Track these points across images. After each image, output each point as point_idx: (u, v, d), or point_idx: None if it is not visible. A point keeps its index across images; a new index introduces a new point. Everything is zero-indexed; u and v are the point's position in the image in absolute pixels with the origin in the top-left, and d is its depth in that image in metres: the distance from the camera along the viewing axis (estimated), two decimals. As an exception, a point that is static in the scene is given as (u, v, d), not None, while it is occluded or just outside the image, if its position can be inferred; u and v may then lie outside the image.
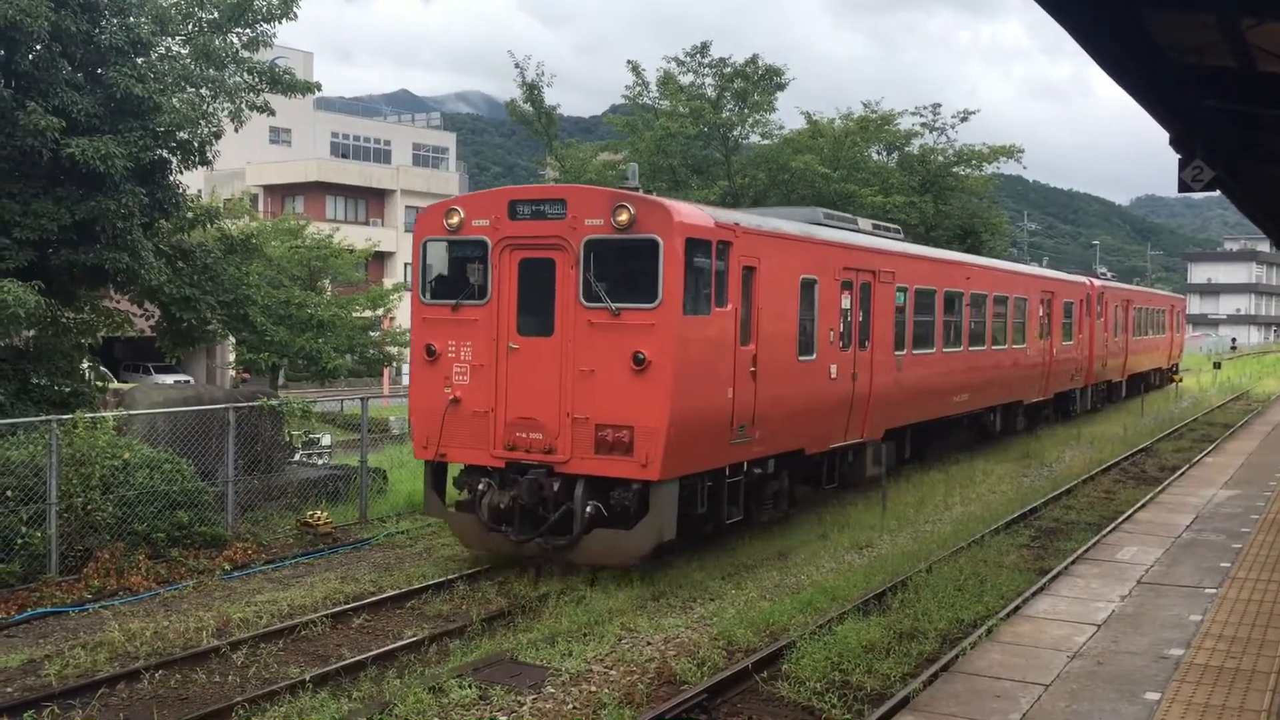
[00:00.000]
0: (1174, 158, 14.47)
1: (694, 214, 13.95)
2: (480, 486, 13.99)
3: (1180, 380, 44.90)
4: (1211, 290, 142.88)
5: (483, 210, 14.30)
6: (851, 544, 16.30)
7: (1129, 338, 40.02)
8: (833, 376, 17.19)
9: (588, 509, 13.32)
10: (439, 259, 14.88)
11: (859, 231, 19.72)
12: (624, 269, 13.45)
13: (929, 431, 22.74)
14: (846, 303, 17.73)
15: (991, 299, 25.02)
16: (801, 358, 16.18)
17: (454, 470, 14.86)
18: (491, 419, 13.94)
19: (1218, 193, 18.52)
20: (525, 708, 9.68)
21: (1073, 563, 14.45)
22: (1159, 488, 20.95)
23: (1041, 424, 30.85)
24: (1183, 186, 14.37)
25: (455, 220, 14.36)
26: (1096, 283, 36.27)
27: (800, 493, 17.94)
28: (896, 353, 19.65)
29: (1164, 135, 14.41)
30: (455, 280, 14.54)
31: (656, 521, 13.25)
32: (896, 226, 22.79)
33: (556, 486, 13.45)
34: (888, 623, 11.91)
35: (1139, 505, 18.84)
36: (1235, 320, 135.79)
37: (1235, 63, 11.11)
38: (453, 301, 14.32)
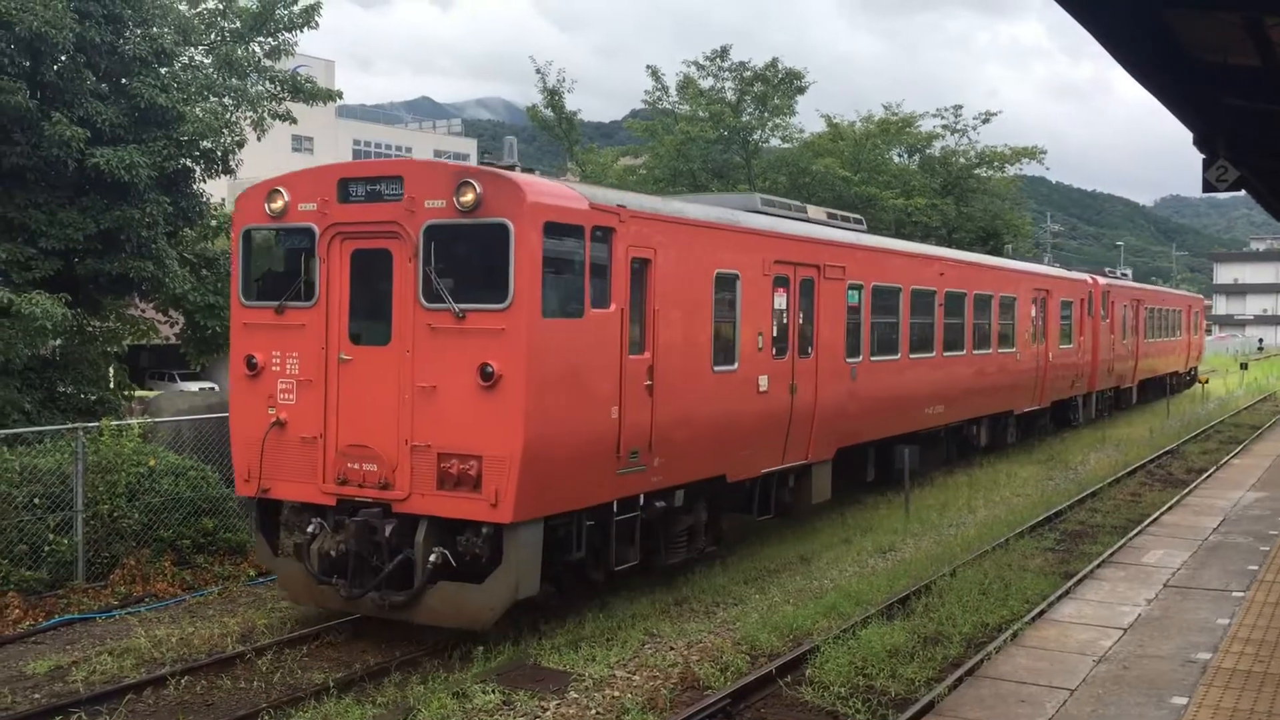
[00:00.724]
0: (1198, 157, 14.39)
1: (557, 192, 11.50)
2: (310, 529, 11.62)
3: (1206, 381, 44.24)
4: (1238, 290, 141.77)
5: (309, 191, 11.79)
6: (874, 547, 16.24)
7: (1140, 340, 37.57)
8: (762, 389, 14.65)
9: (431, 557, 10.95)
10: (261, 251, 12.54)
11: (805, 220, 17.10)
12: (470, 261, 11.24)
13: (893, 451, 19.62)
14: (782, 302, 15.24)
15: (972, 298, 22.41)
16: (718, 368, 13.71)
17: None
18: (320, 446, 11.51)
19: (1243, 192, 18.40)
20: (548, 713, 9.68)
21: (1098, 566, 14.36)
22: (1186, 490, 20.80)
23: (1037, 435, 28.53)
24: (1207, 186, 14.29)
25: (279, 204, 11.93)
26: (1101, 281, 33.50)
27: (733, 525, 15.66)
28: (850, 360, 17.13)
29: (1188, 135, 14.33)
30: (280, 277, 12.26)
31: (510, 574, 10.82)
32: (858, 217, 19.92)
33: (390, 530, 11.08)
34: (911, 627, 11.86)
35: (1165, 508, 18.71)
36: (1262, 321, 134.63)
37: (1259, 61, 11.03)
38: (276, 303, 11.91)
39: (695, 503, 13.84)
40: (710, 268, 13.65)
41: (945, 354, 20.99)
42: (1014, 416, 25.89)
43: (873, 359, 17.89)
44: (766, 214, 15.97)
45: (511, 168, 11.71)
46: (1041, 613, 12.19)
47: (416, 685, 10.27)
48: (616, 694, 10.11)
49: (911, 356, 19.50)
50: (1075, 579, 13.71)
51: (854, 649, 10.96)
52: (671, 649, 11.49)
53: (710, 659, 11.04)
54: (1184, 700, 9.24)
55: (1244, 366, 57.13)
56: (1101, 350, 32.40)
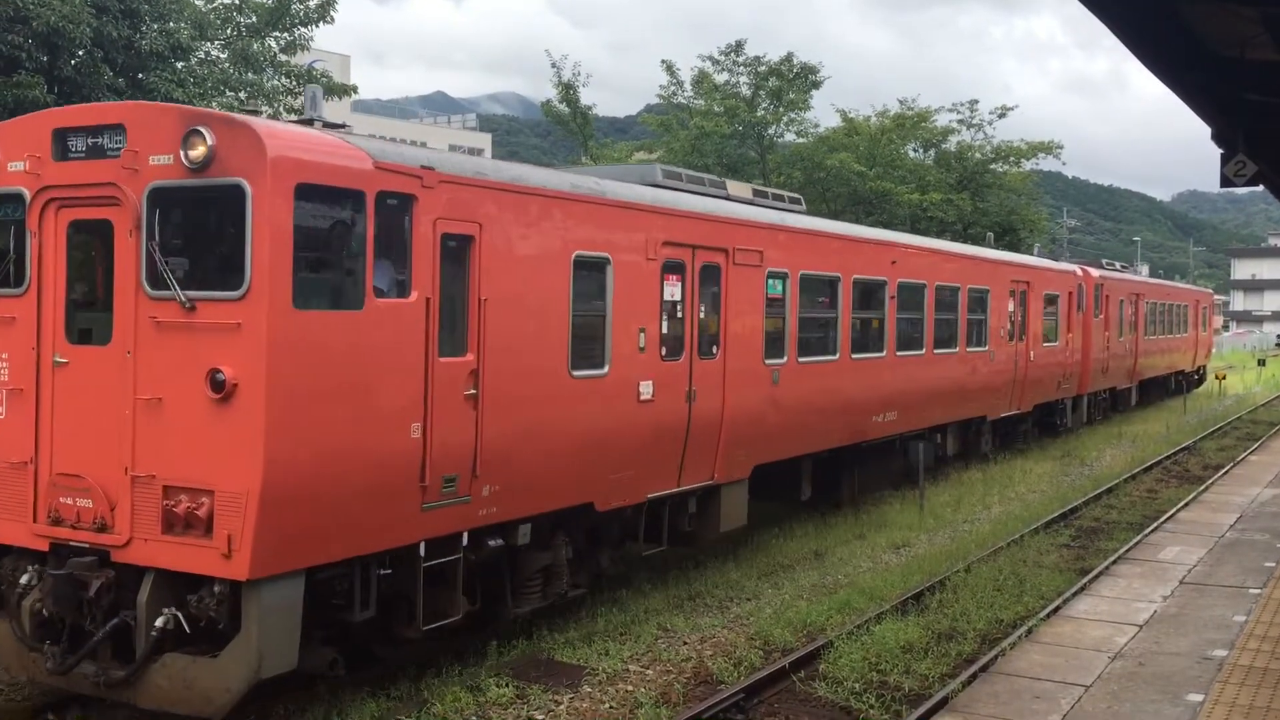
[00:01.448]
0: (1216, 152, 14.34)
1: (319, 145, 8.85)
2: (24, 579, 9.02)
3: (1224, 377, 43.79)
4: (1256, 286, 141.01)
5: (18, 146, 9.17)
6: (888, 544, 16.22)
7: (1139, 337, 34.83)
8: (645, 397, 11.97)
9: (158, 621, 8.39)
10: None
11: (720, 197, 14.42)
12: (202, 235, 8.95)
13: (842, 463, 17.53)
14: (675, 292, 12.64)
15: (932, 290, 19.43)
16: (579, 372, 11.04)
17: None
18: (31, 474, 9.01)
19: (1261, 187, 18.31)
20: (562, 706, 9.71)
21: (1114, 562, 14.31)
22: (1202, 486, 20.71)
23: (1018, 442, 25.95)
24: (1225, 181, 14.24)
25: None
26: (1094, 273, 30.68)
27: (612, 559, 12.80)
28: (771, 362, 14.38)
29: (1206, 130, 14.28)
30: None
31: (250, 645, 8.22)
32: (796, 196, 16.95)
33: (100, 586, 8.53)
34: (926, 623, 11.85)
35: (1181, 504, 18.64)
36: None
37: (1278, 56, 10.97)
38: None
39: (553, 538, 11.27)
40: (567, 248, 10.92)
41: (899, 354, 18.10)
42: (988, 423, 23.19)
43: (802, 360, 15.10)
44: (666, 187, 13.27)
45: (276, 117, 9.83)
46: (1056, 609, 12.16)
47: (430, 678, 10.30)
48: (630, 688, 10.13)
49: (854, 357, 16.62)
50: (1091, 575, 13.67)
51: (868, 644, 10.95)
52: (685, 643, 11.51)
53: (724, 653, 11.05)
54: (1200, 697, 9.21)
55: (1261, 363, 56.77)
56: (1094, 349, 29.64)
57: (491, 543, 10.37)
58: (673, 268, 12.59)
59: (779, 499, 16.44)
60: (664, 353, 12.40)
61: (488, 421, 9.86)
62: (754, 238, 14.13)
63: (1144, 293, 35.96)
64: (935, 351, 19.57)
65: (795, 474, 16.02)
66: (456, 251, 9.66)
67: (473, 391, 9.73)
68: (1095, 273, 30.73)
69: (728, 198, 14.54)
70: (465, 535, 9.91)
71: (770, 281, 14.52)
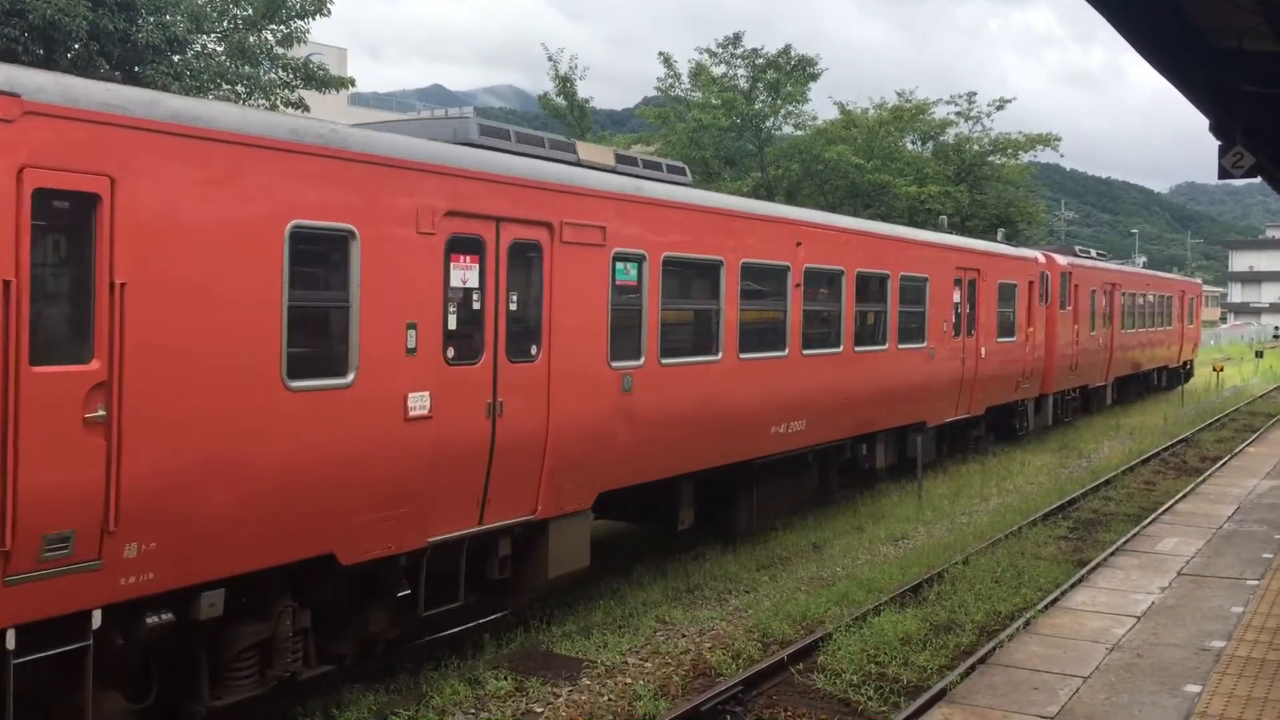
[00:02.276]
0: (1214, 144, 14.34)
1: None
2: None
3: (1221, 369, 43.75)
4: (1253, 278, 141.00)
5: None
6: (887, 536, 16.24)
7: (1115, 331, 32.25)
8: (417, 413, 9.30)
9: None
10: None
11: (565, 162, 11.71)
12: None
13: (734, 484, 14.77)
14: (470, 277, 9.92)
15: (852, 278, 16.55)
16: (301, 382, 8.36)
17: None
18: None
19: (1259, 179, 18.30)
20: (561, 699, 9.72)
21: (1112, 554, 14.32)
22: (1200, 478, 20.73)
23: (969, 449, 23.28)
24: (1223, 173, 14.23)
25: None
26: (1060, 260, 27.88)
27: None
28: (619, 365, 11.64)
29: (1204, 121, 14.27)
30: None
31: None
32: (679, 165, 14.22)
33: None
34: (924, 615, 11.86)
35: (1179, 496, 18.65)
36: (1278, 308, 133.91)
37: (1276, 47, 10.96)
38: None
39: (270, 604, 8.61)
40: (279, 216, 8.23)
41: (807, 353, 15.35)
42: (930, 430, 20.14)
43: (667, 362, 12.42)
44: (486, 148, 10.61)
45: None
46: (1055, 600, 12.17)
47: (429, 671, 10.31)
48: (629, 681, 10.14)
49: (745, 358, 13.90)
50: (1089, 567, 13.68)
51: (866, 636, 10.96)
52: (683, 636, 11.52)
53: (722, 646, 11.06)
54: (1198, 688, 9.22)
55: (1259, 354, 56.83)
56: (1060, 343, 26.92)
57: (153, 619, 7.63)
58: (464, 245, 9.76)
59: (653, 524, 14.31)
60: (450, 355, 9.63)
61: (133, 455, 7.23)
62: (594, 209, 11.29)
63: (1120, 282, 33.27)
64: (857, 349, 16.72)
65: (673, 496, 13.44)
66: (70, 216, 7.03)
67: (101, 413, 7.06)
68: (1062, 260, 28.04)
69: (576, 163, 11.81)
70: (98, 613, 7.19)
71: (619, 265, 11.73)
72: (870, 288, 17.44)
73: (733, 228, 13.83)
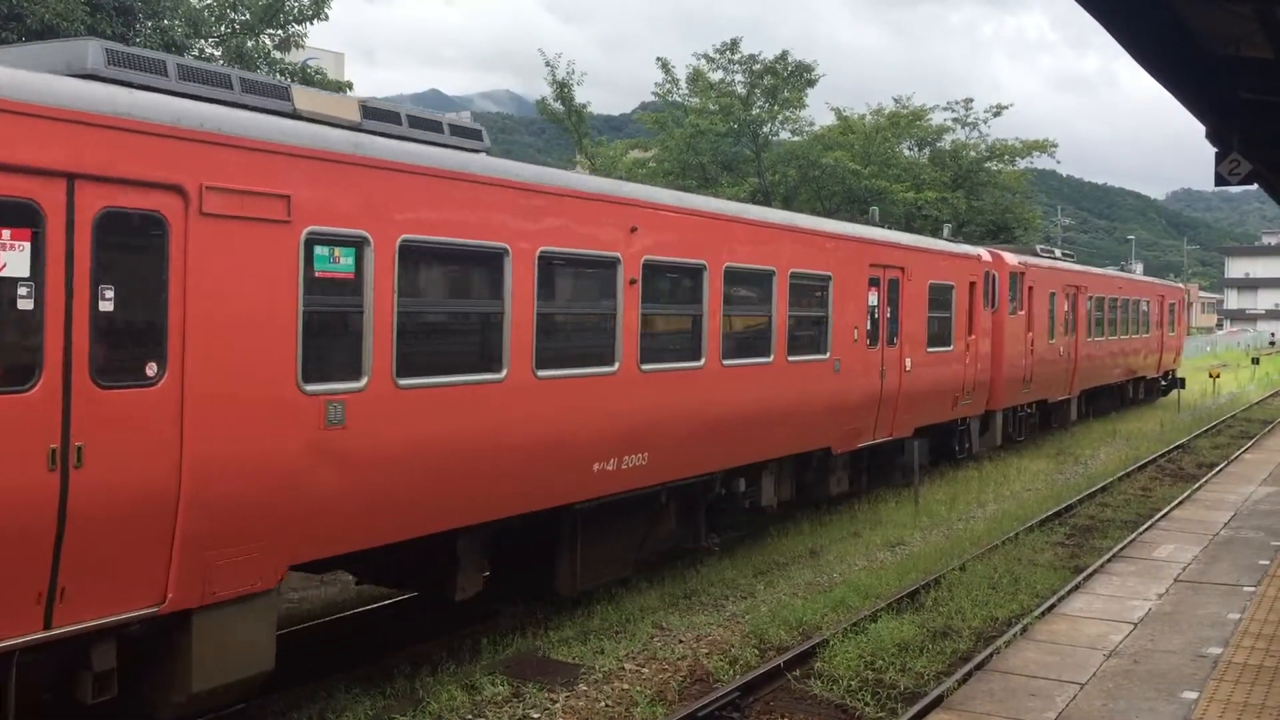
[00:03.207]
0: (1210, 151, 14.37)
1: None
2: None
3: (1218, 376, 43.72)
4: (1250, 285, 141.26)
5: None
6: (883, 542, 16.23)
7: (1079, 339, 29.20)
8: None
9: None
10: None
11: (272, 112, 8.67)
12: None
13: (549, 536, 11.70)
14: (17, 264, 6.84)
15: (718, 275, 13.30)
16: None
17: None
18: None
19: (1255, 186, 18.34)
20: (558, 705, 9.70)
21: (1109, 560, 14.32)
22: (1196, 485, 20.73)
23: (895, 478, 19.71)
24: (1219, 180, 14.27)
25: None
26: (1011, 259, 24.60)
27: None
28: (319, 388, 8.54)
29: (1200, 128, 14.30)
30: None
31: None
32: (475, 128, 10.95)
33: None
34: (921, 621, 11.85)
35: (1176, 502, 18.66)
36: (1274, 315, 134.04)
37: (1272, 53, 10.98)
38: None
39: None
40: None
41: (647, 368, 12.11)
42: (839, 457, 16.97)
43: (408, 383, 9.23)
44: (116, 81, 7.66)
45: None
46: (1051, 607, 12.17)
47: (425, 676, 10.29)
48: (625, 686, 10.13)
49: (546, 375, 10.66)
50: (1085, 573, 13.68)
51: (863, 643, 10.95)
52: (680, 642, 11.50)
53: (719, 652, 11.05)
54: (1195, 695, 9.22)
55: (1255, 361, 56.89)
56: (1009, 353, 23.84)
57: None
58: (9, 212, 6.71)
59: (426, 592, 11.51)
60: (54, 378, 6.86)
61: None
62: (267, 171, 8.20)
63: (1086, 285, 30.13)
64: (727, 363, 13.50)
65: (436, 565, 10.49)
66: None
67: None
68: (1012, 259, 24.84)
69: (292, 114, 8.87)
70: None
71: (319, 251, 8.61)
72: (747, 287, 14.29)
73: (527, 206, 10.53)
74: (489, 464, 10.11)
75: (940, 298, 20.11)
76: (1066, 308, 28.20)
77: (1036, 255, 27.65)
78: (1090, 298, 30.22)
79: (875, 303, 17.49)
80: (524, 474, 10.57)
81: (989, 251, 23.55)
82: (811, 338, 15.70)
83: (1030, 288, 25.30)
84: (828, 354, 15.99)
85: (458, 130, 10.61)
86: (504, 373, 10.26)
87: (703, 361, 13.14)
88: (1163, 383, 40.70)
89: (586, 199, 11.54)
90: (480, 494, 10.11)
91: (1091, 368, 30.69)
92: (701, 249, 13.16)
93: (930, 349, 19.50)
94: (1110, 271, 37.47)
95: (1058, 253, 30.92)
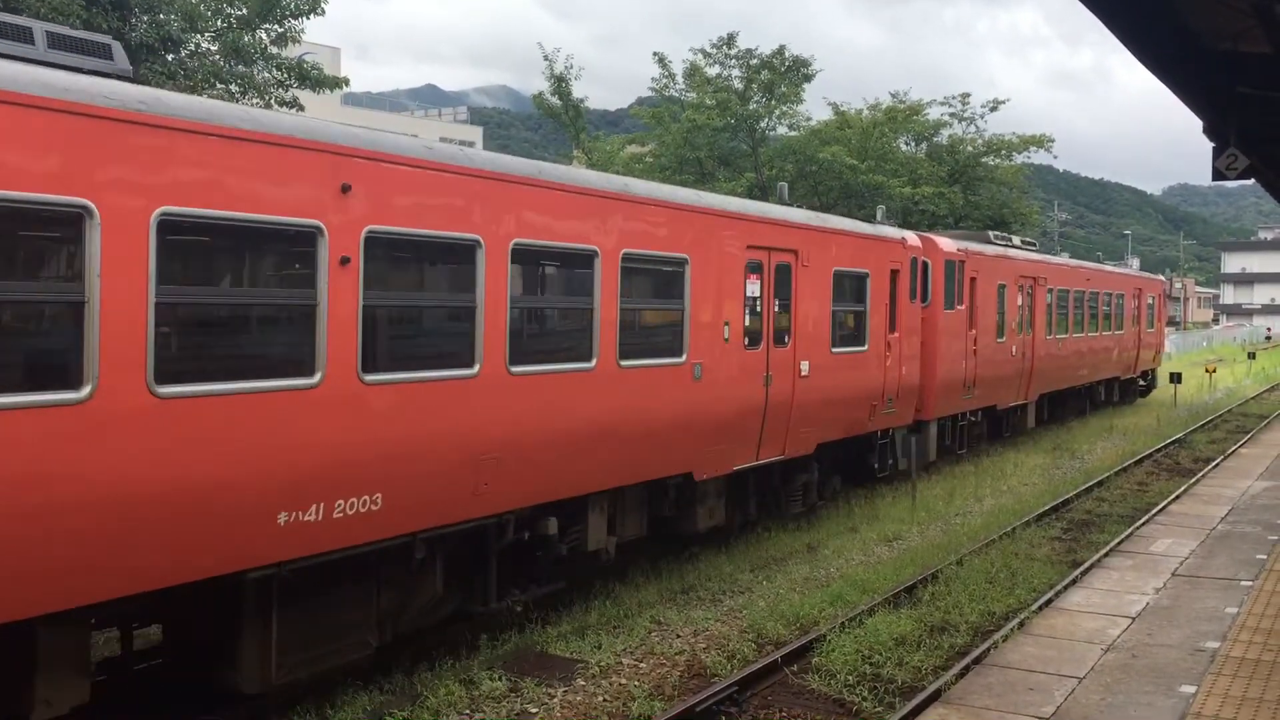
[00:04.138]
0: (1208, 146, 14.36)
1: None
2: None
3: (1214, 370, 43.65)
4: (1246, 280, 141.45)
5: None
6: (880, 537, 16.24)
7: (1036, 338, 26.08)
8: None
9: None
10: None
11: None
12: None
13: (223, 613, 8.62)
14: None
15: (501, 256, 10.15)
16: None
17: None
18: None
19: (1252, 181, 18.35)
20: (556, 700, 9.70)
21: (1106, 555, 14.34)
22: (1193, 479, 20.76)
23: (794, 505, 16.39)
24: (1216, 175, 14.26)
25: None
26: (946, 245, 21.48)
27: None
28: None
29: (1197, 123, 14.30)
30: None
31: None
32: (104, 41, 8.26)
33: None
34: (918, 615, 11.86)
35: (1173, 497, 18.68)
36: (1270, 310, 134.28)
37: (1270, 49, 10.98)
38: None
39: None
40: None
41: (373, 378, 8.95)
42: (702, 485, 13.60)
43: None
44: None
45: None
46: (1049, 601, 12.18)
47: (424, 672, 10.29)
48: (624, 681, 10.13)
49: (179, 392, 7.59)
50: (1083, 568, 13.70)
51: (860, 637, 10.95)
52: (678, 637, 11.51)
53: (717, 647, 11.05)
54: (1193, 689, 9.23)
55: (1252, 356, 56.97)
56: (946, 354, 21.02)
57: None
58: None
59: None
60: None
61: None
62: None
63: (1045, 277, 26.82)
64: (515, 370, 10.25)
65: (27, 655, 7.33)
66: None
67: None
68: (948, 245, 21.76)
69: None
70: None
71: None
72: (553, 272, 11.39)
73: (125, 149, 7.28)
74: (80, 521, 6.99)
75: (851, 288, 16.87)
76: (1021, 302, 25.21)
77: (989, 242, 24.80)
78: (1050, 290, 27.33)
79: (757, 293, 14.30)
80: (149, 532, 7.41)
81: (918, 236, 20.52)
82: (657, 336, 12.60)
83: (972, 278, 22.36)
84: (683, 356, 12.68)
85: (68, 42, 7.70)
86: (89, 391, 7.03)
87: (476, 369, 9.85)
88: (1141, 383, 38.17)
89: (254, 141, 8.06)
90: (65, 568, 7.00)
91: (1052, 369, 27.63)
92: (467, 222, 9.76)
93: (837, 350, 16.24)
94: (1073, 261, 32.99)
95: (1016, 241, 27.71)
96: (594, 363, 11.36)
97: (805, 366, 15.37)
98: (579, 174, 12.62)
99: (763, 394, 14.41)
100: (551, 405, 10.82)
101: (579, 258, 11.28)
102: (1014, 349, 24.78)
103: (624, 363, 11.74)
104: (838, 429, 16.68)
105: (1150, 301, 37.75)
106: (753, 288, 14.21)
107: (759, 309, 14.37)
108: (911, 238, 19.53)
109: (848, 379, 16.70)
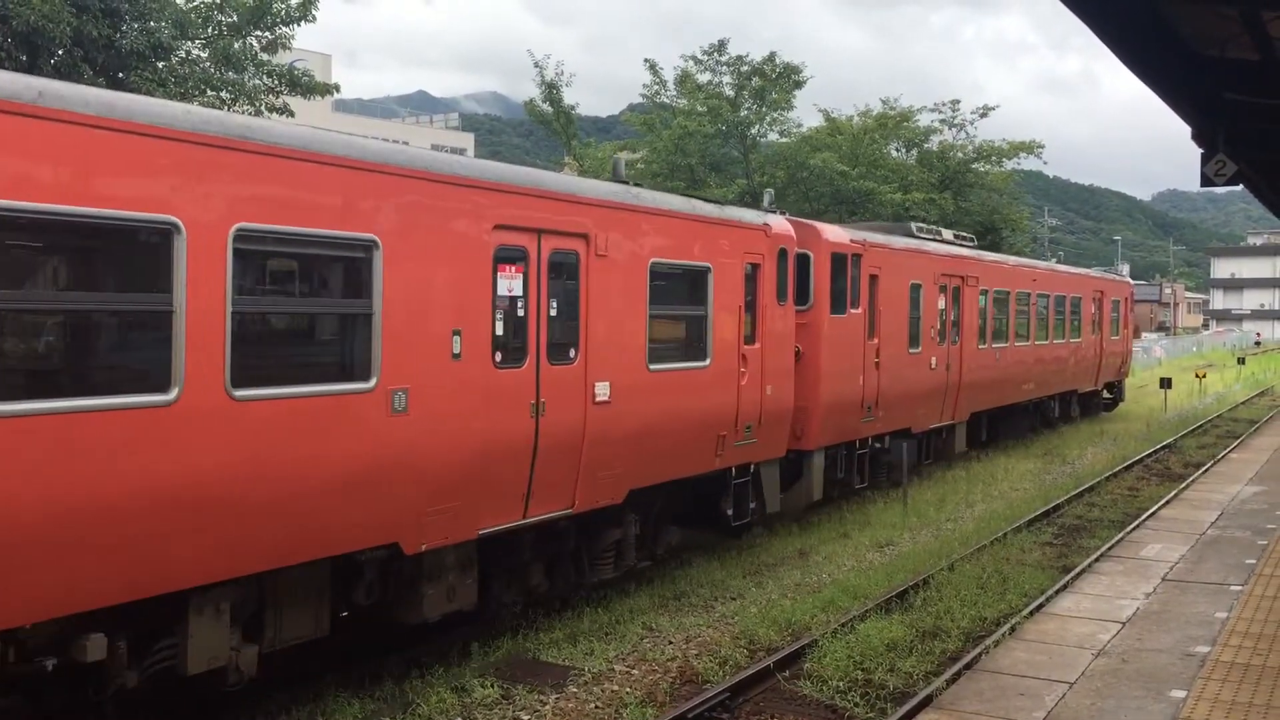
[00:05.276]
0: (1196, 152, 14.41)
1: None
2: None
3: (1204, 376, 43.72)
4: (1235, 285, 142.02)
5: None
6: (872, 542, 16.25)
7: (965, 348, 22.29)
8: None
9: None
10: None
11: None
12: None
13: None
14: None
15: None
16: None
17: None
18: None
19: (1241, 186, 18.43)
20: (547, 707, 9.69)
21: (1096, 560, 14.37)
22: (1183, 484, 20.80)
23: (597, 569, 12.42)
24: (1205, 181, 14.31)
25: None
26: (832, 235, 17.38)
27: None
28: None
29: (1186, 129, 14.36)
30: None
31: None
32: None
33: None
34: (910, 621, 11.87)
35: (1163, 502, 18.72)
36: (1259, 315, 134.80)
37: (1257, 55, 11.04)
38: None
39: None
40: None
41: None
42: (430, 557, 9.83)
43: None
44: None
45: None
46: (1040, 606, 12.19)
47: (415, 679, 10.27)
48: (615, 688, 10.12)
49: None
50: (1073, 573, 13.72)
51: (852, 643, 10.96)
52: (670, 643, 11.50)
53: (709, 653, 11.05)
54: (1183, 693, 9.25)
55: (1241, 361, 57.16)
56: (831, 368, 16.93)
57: None
58: None
59: None
60: None
61: None
62: None
63: (977, 276, 22.98)
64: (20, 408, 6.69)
65: None
66: None
67: None
68: (838, 235, 17.71)
69: None
70: None
71: None
72: (78, 261, 7.54)
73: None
74: None
75: (682, 287, 13.11)
76: (943, 305, 21.29)
77: (910, 235, 21.12)
78: (984, 292, 23.41)
79: (519, 291, 10.52)
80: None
81: (794, 222, 16.18)
82: (319, 351, 9.15)
83: (873, 276, 18.32)
84: (372, 380, 8.84)
85: None
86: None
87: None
88: (1106, 397, 34.54)
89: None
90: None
91: (986, 383, 23.60)
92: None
93: (657, 366, 12.33)
94: (1013, 259, 28.53)
95: (947, 234, 23.39)
96: (174, 394, 7.41)
97: (604, 389, 11.49)
98: (396, 152, 9.53)
99: (529, 427, 10.52)
100: (91, 464, 6.94)
101: (130, 233, 7.38)
102: (933, 361, 20.85)
103: (243, 392, 7.86)
104: (664, 468, 12.69)
105: (1115, 304, 33.89)
106: (510, 284, 10.38)
107: (522, 312, 10.56)
108: (779, 223, 15.19)
109: (677, 403, 12.66)
